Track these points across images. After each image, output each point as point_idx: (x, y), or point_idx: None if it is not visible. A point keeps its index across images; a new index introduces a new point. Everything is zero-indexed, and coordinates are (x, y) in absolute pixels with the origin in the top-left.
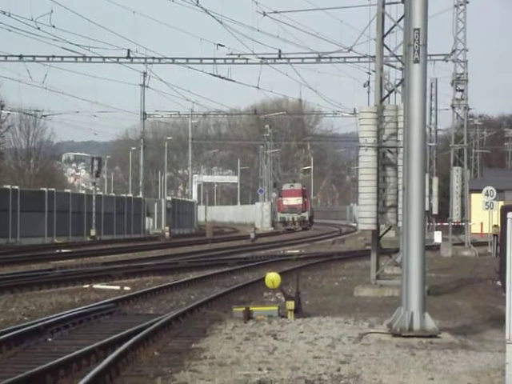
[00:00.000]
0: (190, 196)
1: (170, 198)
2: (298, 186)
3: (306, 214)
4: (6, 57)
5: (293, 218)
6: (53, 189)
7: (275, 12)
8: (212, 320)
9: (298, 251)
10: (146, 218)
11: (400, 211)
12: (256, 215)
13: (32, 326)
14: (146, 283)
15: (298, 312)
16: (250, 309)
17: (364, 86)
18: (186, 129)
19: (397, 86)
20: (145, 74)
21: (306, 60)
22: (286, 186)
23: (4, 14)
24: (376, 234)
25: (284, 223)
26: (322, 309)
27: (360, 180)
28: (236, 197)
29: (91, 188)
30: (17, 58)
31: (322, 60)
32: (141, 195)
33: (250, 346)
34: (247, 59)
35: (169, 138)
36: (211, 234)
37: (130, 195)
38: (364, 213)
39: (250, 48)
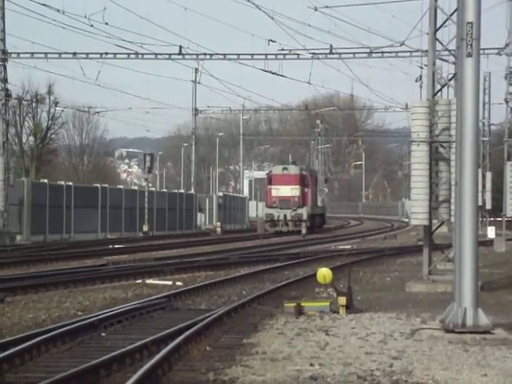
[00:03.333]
0: (241, 192)
1: (221, 194)
2: (294, 170)
3: (305, 211)
4: (59, 54)
5: (285, 217)
6: (106, 185)
7: (326, 7)
8: (263, 315)
9: (349, 246)
10: (198, 214)
11: (453, 206)
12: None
13: (86, 321)
14: (198, 278)
15: (349, 308)
16: (302, 304)
17: (416, 81)
18: (238, 125)
19: (449, 80)
20: (196, 70)
21: (357, 55)
22: (276, 169)
23: (58, 11)
24: (428, 229)
25: (272, 223)
26: (373, 304)
27: (412, 175)
28: None
29: (143, 184)
30: (70, 56)
31: (374, 55)
32: (192, 191)
33: (301, 342)
34: (298, 54)
35: (220, 133)
36: (262, 229)
37: (182, 191)
38: (416, 208)
39: (302, 43)
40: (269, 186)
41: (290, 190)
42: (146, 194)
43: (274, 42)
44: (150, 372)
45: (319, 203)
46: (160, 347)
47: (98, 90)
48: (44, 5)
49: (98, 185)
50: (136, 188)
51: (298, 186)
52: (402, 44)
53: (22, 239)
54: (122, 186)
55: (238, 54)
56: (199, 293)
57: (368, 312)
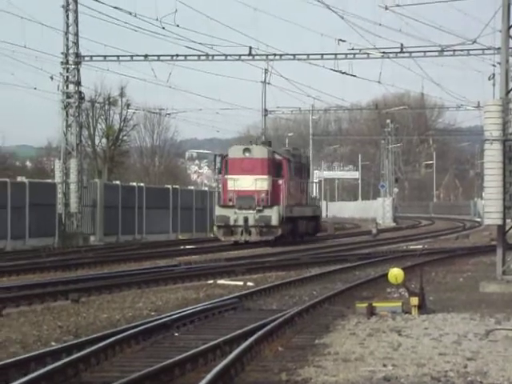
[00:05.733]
0: (312, 192)
1: None
2: (260, 152)
3: (275, 213)
4: (131, 56)
5: (245, 220)
6: (177, 186)
7: (397, 5)
8: (335, 316)
9: (420, 247)
10: None
11: None
12: (377, 210)
13: (159, 321)
14: (269, 279)
15: (422, 308)
16: (373, 304)
17: (489, 79)
18: (307, 125)
19: None
20: (266, 70)
21: (428, 53)
22: (234, 151)
23: (130, 14)
24: (502, 228)
25: (227, 230)
26: (446, 305)
27: (485, 174)
28: (357, 192)
29: (214, 185)
30: (142, 58)
31: (445, 53)
32: None
33: (373, 342)
34: (368, 54)
35: (290, 134)
36: (332, 229)
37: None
38: (489, 207)
39: (372, 42)
40: (224, 177)
41: (253, 182)
42: (216, 194)
43: (344, 41)
44: (223, 372)
45: (308, 201)
46: (232, 347)
47: (169, 91)
48: (116, 8)
49: (169, 186)
50: (206, 189)
51: (265, 176)
52: (474, 42)
53: (96, 240)
54: (192, 187)
55: (308, 54)
56: (270, 293)
57: (441, 312)
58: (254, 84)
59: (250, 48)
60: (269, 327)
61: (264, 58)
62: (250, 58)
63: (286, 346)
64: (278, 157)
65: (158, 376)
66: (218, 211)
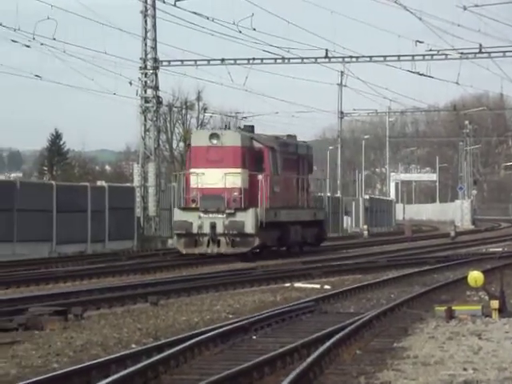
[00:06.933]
0: (388, 194)
1: (367, 197)
2: (231, 139)
3: (250, 218)
4: (208, 61)
5: (212, 227)
6: None
7: (476, 6)
8: (413, 319)
9: (500, 249)
10: (344, 217)
11: None
12: (456, 213)
13: (237, 324)
14: (346, 282)
15: (502, 311)
16: (453, 308)
17: None
18: (384, 127)
19: None
20: (342, 73)
21: (507, 53)
22: (198, 138)
23: (207, 19)
24: None
25: (189, 240)
26: None
27: None
28: (434, 195)
29: None
30: (219, 62)
31: None
32: (339, 194)
33: (453, 346)
34: (446, 55)
35: (366, 136)
36: (410, 232)
37: (328, 194)
38: None
39: (450, 43)
40: (187, 171)
41: (222, 178)
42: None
43: (422, 42)
44: (301, 375)
45: (309, 202)
46: (310, 350)
47: (245, 94)
48: (194, 13)
49: None
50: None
51: (238, 170)
52: None
53: (173, 243)
54: None
55: (385, 56)
56: (347, 296)
57: None
58: (329, 86)
59: (327, 51)
60: (347, 330)
61: (340, 60)
62: (327, 60)
63: (364, 350)
64: (257, 145)
65: (237, 379)
66: (178, 215)
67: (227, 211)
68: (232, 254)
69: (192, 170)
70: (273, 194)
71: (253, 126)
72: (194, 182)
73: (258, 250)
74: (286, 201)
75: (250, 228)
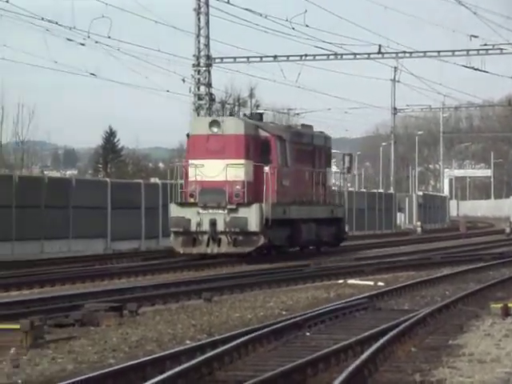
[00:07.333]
0: (442, 190)
1: (421, 193)
2: (233, 126)
3: (255, 214)
4: (261, 58)
5: (212, 225)
6: None
7: None
8: (469, 316)
9: None
10: (398, 214)
11: None
12: (511, 209)
13: (291, 321)
14: (400, 279)
15: None
16: (509, 305)
17: None
18: (437, 122)
19: None
20: (396, 68)
21: None
22: (197, 125)
23: (261, 15)
24: None
25: (187, 238)
26: None
27: None
28: (489, 191)
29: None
30: (271, 59)
31: None
32: (392, 190)
33: (509, 343)
34: (502, 49)
35: (419, 132)
36: (465, 228)
37: (381, 191)
38: None
39: (505, 37)
40: (185, 162)
41: (223, 169)
42: (346, 194)
43: (477, 37)
44: (356, 372)
45: (327, 198)
46: (364, 347)
47: (297, 91)
48: (247, 9)
49: None
50: (335, 188)
51: (241, 161)
52: None
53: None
54: None
55: (439, 51)
56: (401, 293)
57: None
58: (383, 82)
59: (380, 46)
60: (401, 327)
61: (393, 55)
62: (380, 56)
63: (418, 347)
64: (263, 133)
65: (291, 375)
66: (175, 211)
67: (229, 207)
68: (234, 253)
69: (190, 162)
70: (281, 188)
71: (261, 114)
72: (192, 174)
73: (265, 251)
74: (297, 196)
75: (253, 225)
